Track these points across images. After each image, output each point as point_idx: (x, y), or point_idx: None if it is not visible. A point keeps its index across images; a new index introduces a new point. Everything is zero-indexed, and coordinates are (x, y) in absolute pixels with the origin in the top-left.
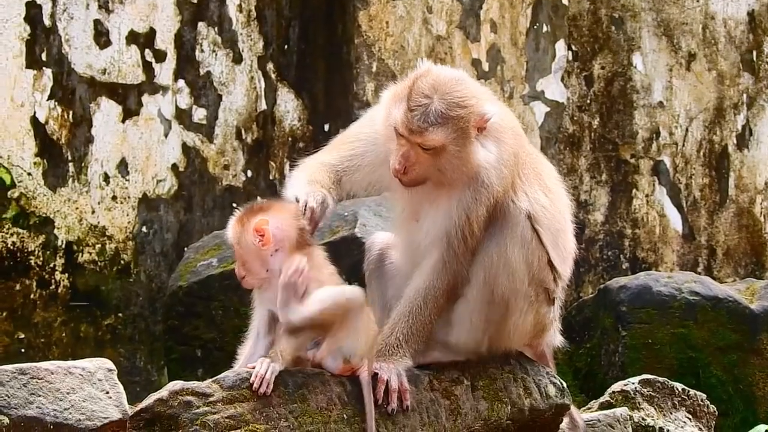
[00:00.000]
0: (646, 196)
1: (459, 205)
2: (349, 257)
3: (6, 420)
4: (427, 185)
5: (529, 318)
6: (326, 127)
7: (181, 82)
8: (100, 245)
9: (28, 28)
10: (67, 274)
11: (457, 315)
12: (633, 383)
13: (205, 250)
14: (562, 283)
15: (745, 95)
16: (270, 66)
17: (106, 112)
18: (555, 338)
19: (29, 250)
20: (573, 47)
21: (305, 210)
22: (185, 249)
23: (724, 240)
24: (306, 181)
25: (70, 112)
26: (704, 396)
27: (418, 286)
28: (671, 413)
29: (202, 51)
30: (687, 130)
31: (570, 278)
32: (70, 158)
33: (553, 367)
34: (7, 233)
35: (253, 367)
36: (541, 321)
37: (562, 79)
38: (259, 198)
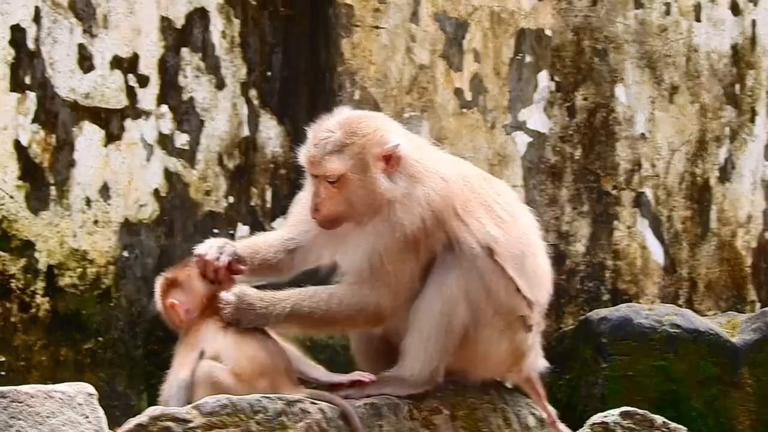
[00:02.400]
0: (628, 227)
1: (370, 238)
2: None
3: None
4: (344, 227)
5: (503, 346)
6: None
7: (164, 107)
8: (81, 269)
9: (12, 51)
10: (48, 298)
11: (409, 346)
12: (613, 415)
13: None
14: (537, 308)
15: (727, 128)
16: (253, 92)
17: (88, 137)
18: (538, 362)
19: (10, 273)
20: (556, 78)
21: (200, 265)
22: None
23: (705, 273)
24: (230, 242)
25: (53, 136)
26: (685, 429)
27: (326, 290)
28: None
29: (186, 76)
30: (669, 162)
31: (549, 305)
32: (52, 182)
33: (542, 390)
34: None
35: None
36: (518, 348)
37: (545, 110)
38: (239, 225)
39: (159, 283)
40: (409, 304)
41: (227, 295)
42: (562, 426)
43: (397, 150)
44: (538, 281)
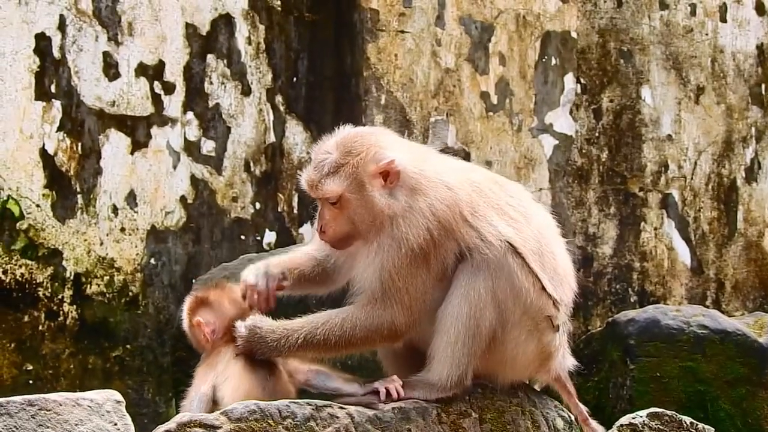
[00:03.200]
0: (655, 229)
1: (377, 256)
2: None
3: None
4: (355, 245)
5: (530, 347)
6: None
7: (190, 114)
8: (108, 277)
9: (37, 60)
10: (75, 306)
11: (436, 351)
12: (641, 417)
13: (213, 283)
14: (563, 306)
15: (753, 128)
16: (279, 98)
17: (114, 144)
18: (567, 361)
19: (38, 281)
20: (582, 80)
21: (249, 295)
22: (193, 281)
23: (732, 273)
24: (270, 262)
25: (79, 144)
26: (713, 430)
27: (339, 314)
28: None
29: (211, 83)
30: (695, 163)
31: (576, 307)
32: (78, 190)
33: (573, 389)
34: (15, 265)
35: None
36: (546, 349)
37: (571, 112)
38: (266, 231)
39: (188, 300)
40: (427, 316)
41: (240, 327)
42: (594, 423)
43: (393, 165)
44: (561, 279)
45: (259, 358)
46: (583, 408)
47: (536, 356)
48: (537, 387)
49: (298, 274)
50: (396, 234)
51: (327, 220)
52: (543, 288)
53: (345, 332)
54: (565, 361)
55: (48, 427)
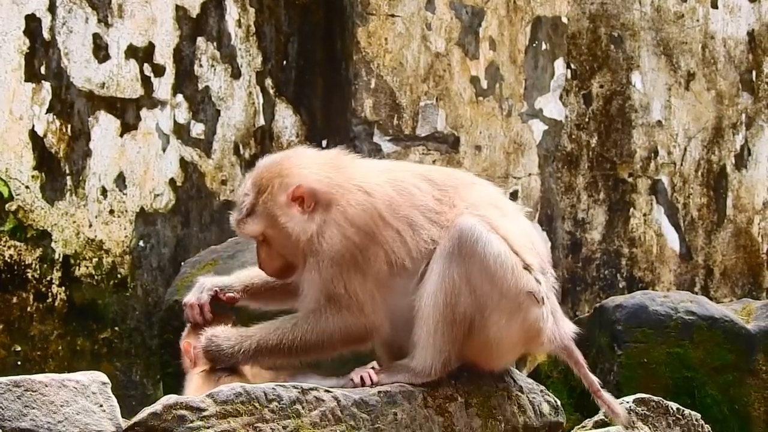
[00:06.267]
0: (644, 215)
1: (311, 275)
2: None
3: None
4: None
5: (515, 329)
6: (324, 143)
7: (180, 97)
8: (97, 259)
9: (27, 41)
10: (63, 288)
11: (418, 339)
12: (628, 402)
13: (201, 265)
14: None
15: (744, 115)
16: (268, 81)
17: (104, 126)
18: (565, 327)
19: (26, 263)
20: (572, 65)
21: (185, 311)
22: (182, 264)
23: (721, 260)
24: (213, 279)
25: (69, 126)
26: (699, 416)
27: (291, 320)
28: None
29: (201, 66)
30: (685, 149)
31: (564, 293)
32: (67, 172)
33: (581, 358)
34: (4, 246)
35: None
36: (534, 326)
37: (561, 98)
38: None
39: (187, 327)
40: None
41: (200, 339)
42: (607, 395)
43: (301, 189)
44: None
45: (222, 366)
46: (595, 379)
47: (523, 335)
48: (545, 357)
49: (258, 286)
50: (316, 250)
51: (262, 257)
52: (521, 265)
53: (297, 338)
54: (561, 328)
55: (34, 408)
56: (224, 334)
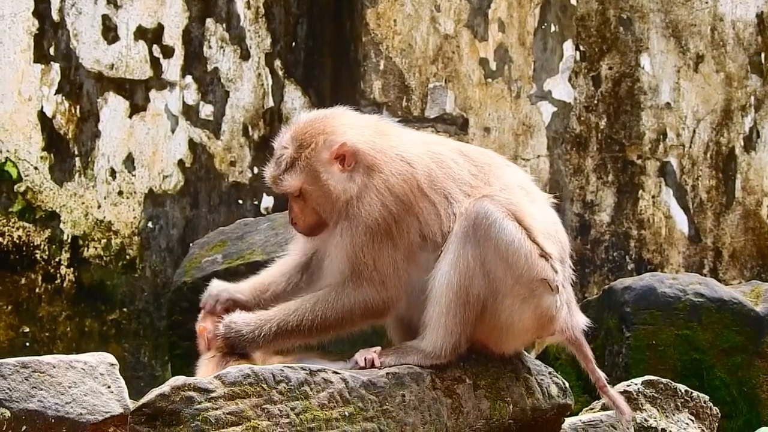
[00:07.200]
0: (653, 197)
1: (341, 239)
2: None
3: (7, 413)
4: (326, 231)
5: (527, 314)
6: None
7: (189, 78)
8: (105, 240)
9: (36, 22)
10: (72, 269)
11: (429, 320)
12: (636, 384)
13: (210, 246)
14: (558, 264)
15: (752, 97)
16: (277, 63)
17: (113, 108)
18: (577, 319)
19: (35, 244)
20: (581, 47)
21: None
22: (190, 245)
23: (730, 242)
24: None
25: (78, 107)
26: (707, 398)
27: (312, 298)
28: (674, 415)
29: (210, 47)
30: (694, 131)
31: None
32: (76, 153)
33: (590, 352)
34: (13, 227)
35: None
36: (546, 313)
37: (570, 80)
38: (264, 196)
39: (202, 312)
40: (410, 288)
41: (219, 326)
42: (613, 391)
43: (345, 147)
44: (548, 234)
45: (240, 352)
46: (602, 374)
47: (535, 322)
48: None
49: (272, 294)
50: (352, 215)
51: (295, 213)
52: (538, 251)
53: (317, 316)
54: (573, 319)
55: (41, 389)
56: (243, 320)
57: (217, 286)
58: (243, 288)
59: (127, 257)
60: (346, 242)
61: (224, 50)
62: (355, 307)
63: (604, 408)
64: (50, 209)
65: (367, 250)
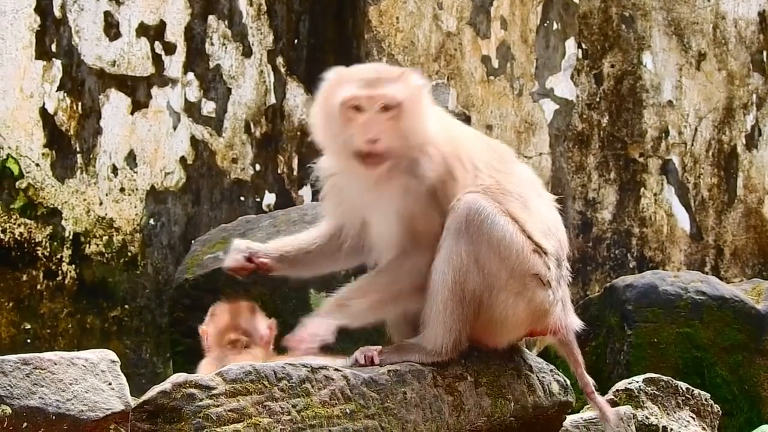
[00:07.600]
0: (655, 195)
1: (399, 191)
2: None
3: (8, 410)
4: (375, 179)
5: (521, 308)
6: None
7: (191, 75)
8: (107, 237)
9: (38, 18)
10: (74, 266)
11: (428, 317)
12: (637, 382)
13: (212, 244)
14: (553, 261)
15: (754, 95)
16: (280, 60)
17: (115, 104)
18: (570, 320)
19: (36, 240)
20: (583, 45)
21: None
22: (192, 242)
23: (731, 240)
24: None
25: (79, 104)
26: (708, 395)
27: (395, 263)
28: (675, 412)
29: (212, 44)
30: (696, 129)
31: (575, 272)
32: (78, 150)
33: (580, 357)
34: (14, 224)
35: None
36: (539, 307)
37: (572, 77)
38: (266, 193)
39: (209, 314)
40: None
41: (310, 330)
42: (600, 398)
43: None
44: (548, 232)
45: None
46: (590, 380)
47: (529, 316)
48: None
49: (293, 253)
50: (419, 173)
51: (382, 129)
52: (531, 246)
53: (392, 287)
54: (567, 319)
55: (42, 386)
56: (321, 328)
57: (235, 241)
58: (263, 245)
59: (129, 254)
60: (409, 204)
61: (226, 47)
62: (421, 271)
63: None
64: (52, 206)
65: (422, 213)
